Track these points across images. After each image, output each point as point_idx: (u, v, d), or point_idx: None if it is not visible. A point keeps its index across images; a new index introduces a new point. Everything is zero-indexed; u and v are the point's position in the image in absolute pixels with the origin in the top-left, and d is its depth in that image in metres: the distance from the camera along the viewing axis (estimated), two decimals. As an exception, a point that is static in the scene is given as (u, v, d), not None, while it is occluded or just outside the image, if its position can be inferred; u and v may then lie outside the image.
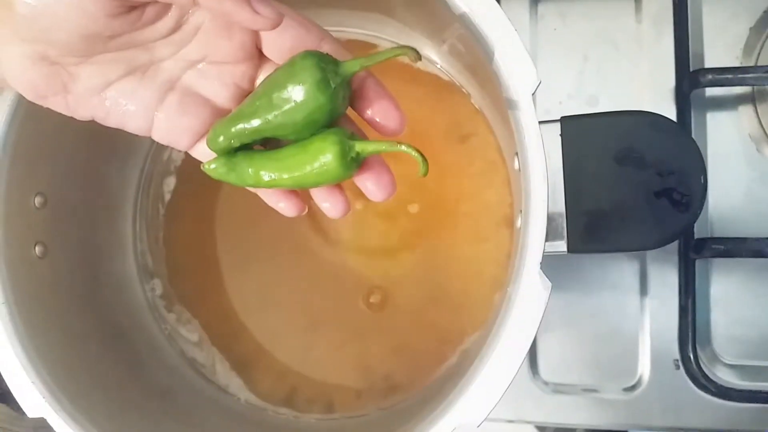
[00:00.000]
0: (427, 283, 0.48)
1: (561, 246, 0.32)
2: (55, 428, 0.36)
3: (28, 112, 0.38)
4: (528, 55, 0.30)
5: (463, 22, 0.31)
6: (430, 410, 0.32)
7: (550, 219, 0.31)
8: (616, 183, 0.31)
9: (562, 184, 0.31)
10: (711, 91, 0.50)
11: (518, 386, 0.50)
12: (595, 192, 0.31)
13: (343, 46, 0.49)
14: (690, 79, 0.48)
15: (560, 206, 0.31)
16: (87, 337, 0.43)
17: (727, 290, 0.49)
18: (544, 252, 0.30)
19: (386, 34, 0.49)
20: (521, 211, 0.31)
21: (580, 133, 0.31)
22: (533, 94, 0.30)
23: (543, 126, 0.31)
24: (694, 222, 0.31)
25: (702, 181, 0.31)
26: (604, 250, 0.35)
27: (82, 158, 0.45)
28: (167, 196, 0.53)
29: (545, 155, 0.30)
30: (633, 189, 0.31)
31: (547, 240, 0.31)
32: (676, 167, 0.31)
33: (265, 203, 0.31)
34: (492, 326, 0.31)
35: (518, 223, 0.32)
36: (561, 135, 0.31)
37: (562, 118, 0.32)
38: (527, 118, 0.30)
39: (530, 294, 0.29)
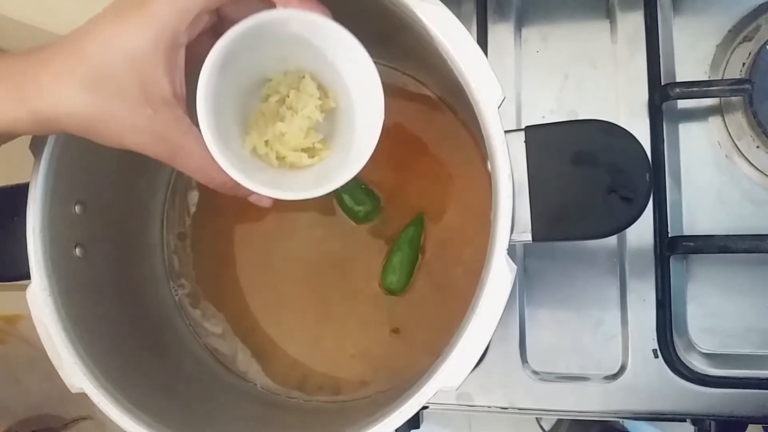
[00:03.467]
0: (426, 282, 0.53)
1: (527, 236, 0.36)
2: (94, 400, 0.40)
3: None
4: (494, 74, 0.35)
5: (440, 49, 0.36)
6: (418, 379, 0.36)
7: (518, 213, 0.36)
8: (573, 182, 0.35)
9: (527, 183, 0.36)
10: (683, 104, 0.54)
11: (510, 375, 0.54)
12: (555, 190, 0.36)
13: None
14: (661, 92, 0.52)
15: (525, 202, 0.36)
16: (121, 327, 0.48)
17: (701, 285, 0.53)
18: (510, 241, 0.35)
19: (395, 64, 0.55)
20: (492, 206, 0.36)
21: (541, 140, 0.36)
22: (499, 107, 0.35)
23: (509, 134, 0.36)
24: (641, 214, 0.35)
25: (647, 178, 0.35)
26: (563, 239, 0.40)
27: (117, 171, 0.50)
28: (192, 209, 0.59)
29: (510, 159, 0.35)
30: (587, 186, 0.35)
31: (514, 231, 0.36)
32: (624, 167, 0.35)
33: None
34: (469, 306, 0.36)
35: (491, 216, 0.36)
36: (525, 142, 0.36)
37: (526, 127, 0.36)
38: (494, 127, 0.35)
39: (499, 275, 0.34)
